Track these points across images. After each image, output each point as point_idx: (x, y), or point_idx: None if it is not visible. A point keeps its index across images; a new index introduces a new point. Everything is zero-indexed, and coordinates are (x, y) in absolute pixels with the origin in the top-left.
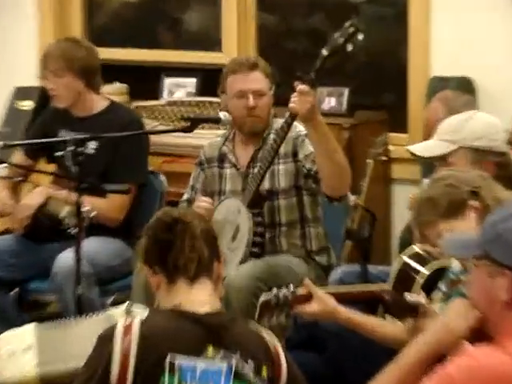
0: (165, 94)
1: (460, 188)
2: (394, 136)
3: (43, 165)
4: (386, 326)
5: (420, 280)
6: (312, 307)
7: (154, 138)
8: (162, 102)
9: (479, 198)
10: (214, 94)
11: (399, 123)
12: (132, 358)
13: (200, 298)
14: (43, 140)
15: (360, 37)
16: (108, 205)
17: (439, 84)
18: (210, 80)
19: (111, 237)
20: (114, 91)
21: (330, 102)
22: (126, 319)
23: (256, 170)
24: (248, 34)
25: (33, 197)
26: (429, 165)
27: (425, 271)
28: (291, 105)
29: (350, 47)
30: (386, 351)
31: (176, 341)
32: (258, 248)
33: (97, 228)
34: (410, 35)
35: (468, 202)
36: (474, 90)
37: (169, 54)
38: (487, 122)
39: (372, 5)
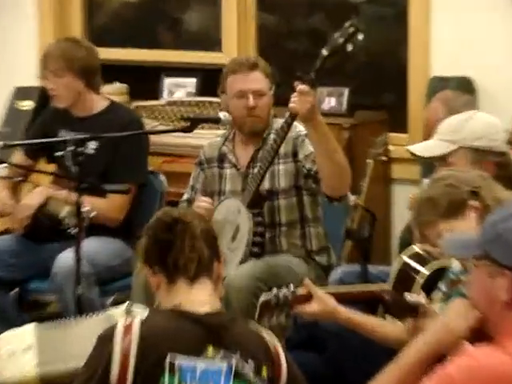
0: (165, 94)
1: (460, 188)
2: (393, 136)
3: (43, 165)
4: (386, 326)
5: (420, 280)
6: (312, 307)
7: (153, 138)
8: (161, 101)
9: (479, 198)
10: (214, 94)
11: (399, 123)
12: (132, 358)
13: (200, 298)
14: (43, 140)
15: (360, 37)
16: (108, 205)
17: (439, 84)
18: (209, 80)
19: (111, 237)
20: (114, 91)
21: (330, 102)
22: (126, 319)
23: (256, 170)
24: (248, 34)
25: (33, 197)
26: (429, 165)
27: (425, 271)
28: (291, 105)
29: (350, 47)
30: (386, 351)
31: (176, 341)
32: (258, 248)
33: (97, 228)
34: (410, 35)
35: (468, 202)
36: (474, 90)
37: (169, 53)
38: (487, 121)
39: (372, 5)
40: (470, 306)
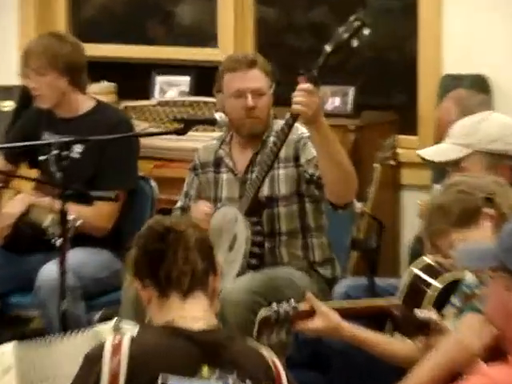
0: (156, 93)
1: (473, 195)
2: (403, 138)
3: (25, 170)
4: (393, 344)
5: (432, 293)
6: (315, 323)
7: (144, 141)
8: (152, 101)
9: (494, 206)
10: (210, 94)
11: (409, 124)
12: (122, 377)
13: (194, 314)
14: (25, 143)
15: (366, 32)
16: (95, 213)
17: (452, 82)
18: (204, 78)
19: (98, 247)
20: (101, 90)
21: (334, 102)
22: (114, 337)
23: (254, 175)
24: (246, 29)
25: (14, 205)
26: (440, 170)
27: (437, 284)
28: (295, 106)
29: (355, 43)
30: (394, 370)
31: (168, 360)
32: (256, 259)
33: (83, 238)
34: (421, 29)
35: (482, 210)
36: (489, 88)
37: (160, 50)
38: (502, 123)
39: None
40: (484, 322)
